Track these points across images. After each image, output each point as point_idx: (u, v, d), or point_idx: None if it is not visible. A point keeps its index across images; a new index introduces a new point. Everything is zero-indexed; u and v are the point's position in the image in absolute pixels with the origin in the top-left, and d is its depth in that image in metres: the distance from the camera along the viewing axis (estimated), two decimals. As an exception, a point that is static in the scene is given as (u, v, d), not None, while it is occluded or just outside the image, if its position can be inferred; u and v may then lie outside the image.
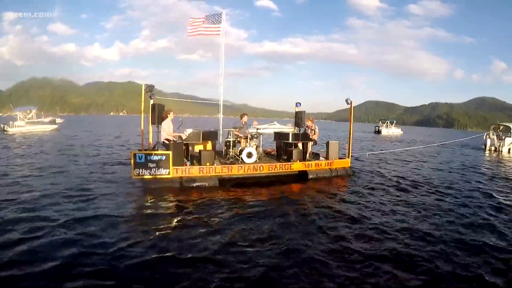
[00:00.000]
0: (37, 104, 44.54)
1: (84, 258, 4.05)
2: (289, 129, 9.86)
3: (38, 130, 29.65)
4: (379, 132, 48.21)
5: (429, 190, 8.65)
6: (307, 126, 10.51)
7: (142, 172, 7.52)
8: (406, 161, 15.32)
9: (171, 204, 6.55)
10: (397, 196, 7.90)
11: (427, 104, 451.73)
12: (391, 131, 49.26)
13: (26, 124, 29.73)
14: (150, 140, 9.13)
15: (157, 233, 4.94)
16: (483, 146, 24.19)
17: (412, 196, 8.00)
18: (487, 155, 20.95)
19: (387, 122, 51.87)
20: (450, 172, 12.29)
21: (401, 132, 51.65)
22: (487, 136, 23.87)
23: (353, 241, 4.85)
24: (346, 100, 10.34)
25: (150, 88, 7.83)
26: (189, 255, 4.20)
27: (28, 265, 3.81)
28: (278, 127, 30.21)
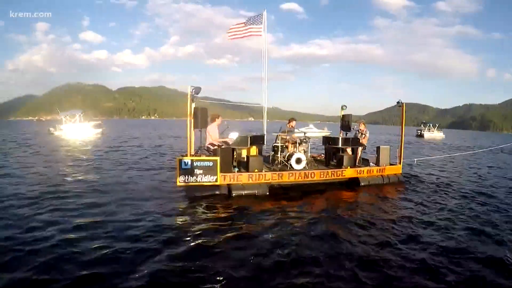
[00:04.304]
0: (71, 109, 45.98)
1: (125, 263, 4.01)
2: (326, 133, 9.38)
3: (84, 134, 29.55)
4: (421, 135, 46.83)
5: (489, 202, 7.62)
6: (357, 130, 9.88)
7: (187, 179, 7.14)
8: (456, 168, 14.09)
9: (219, 214, 6.15)
10: (458, 208, 7.02)
11: (460, 105, 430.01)
12: (433, 134, 47.72)
13: (72, 128, 30.11)
14: (192, 145, 8.82)
15: (201, 247, 4.57)
16: None
17: (471, 207, 7.14)
18: None
19: (429, 125, 50.60)
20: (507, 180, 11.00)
21: (443, 135, 49.39)
22: None
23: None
24: (398, 102, 9.64)
25: (196, 91, 7.44)
26: (236, 274, 3.82)
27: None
28: (315, 131, 29.37)
